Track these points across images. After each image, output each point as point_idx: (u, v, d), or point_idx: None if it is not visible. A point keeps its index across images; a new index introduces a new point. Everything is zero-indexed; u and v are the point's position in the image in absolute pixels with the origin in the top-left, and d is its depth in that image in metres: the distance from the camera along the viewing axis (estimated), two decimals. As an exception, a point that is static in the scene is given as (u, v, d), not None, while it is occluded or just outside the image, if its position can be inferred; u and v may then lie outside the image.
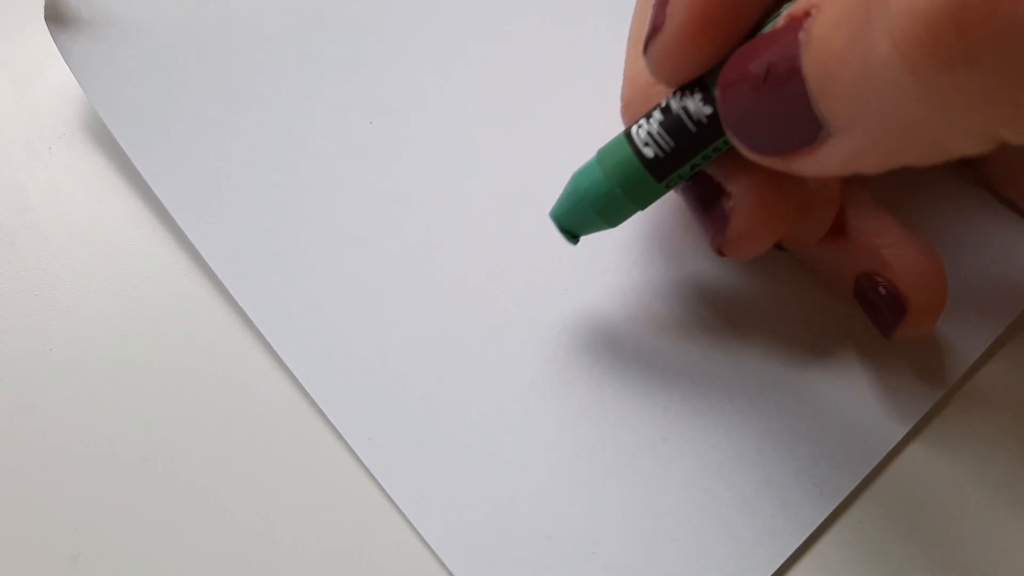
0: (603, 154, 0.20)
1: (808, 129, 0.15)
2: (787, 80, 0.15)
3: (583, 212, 0.21)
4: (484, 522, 0.20)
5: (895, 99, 0.13)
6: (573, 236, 0.21)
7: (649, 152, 0.19)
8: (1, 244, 0.23)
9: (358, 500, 0.21)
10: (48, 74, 0.26)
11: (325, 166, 0.24)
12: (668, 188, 0.20)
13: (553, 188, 0.21)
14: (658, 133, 0.19)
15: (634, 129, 0.19)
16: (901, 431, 0.22)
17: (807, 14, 0.15)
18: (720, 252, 0.21)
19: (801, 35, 0.15)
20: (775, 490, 0.21)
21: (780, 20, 0.16)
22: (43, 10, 0.24)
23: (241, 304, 0.22)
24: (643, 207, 0.20)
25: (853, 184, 0.22)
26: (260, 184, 0.24)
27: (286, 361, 0.22)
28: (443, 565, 0.20)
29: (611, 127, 0.21)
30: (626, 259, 0.24)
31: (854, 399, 0.22)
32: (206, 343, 0.22)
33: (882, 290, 0.21)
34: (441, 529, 0.20)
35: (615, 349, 0.23)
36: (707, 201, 0.20)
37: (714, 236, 0.20)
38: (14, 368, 0.22)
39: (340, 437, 0.21)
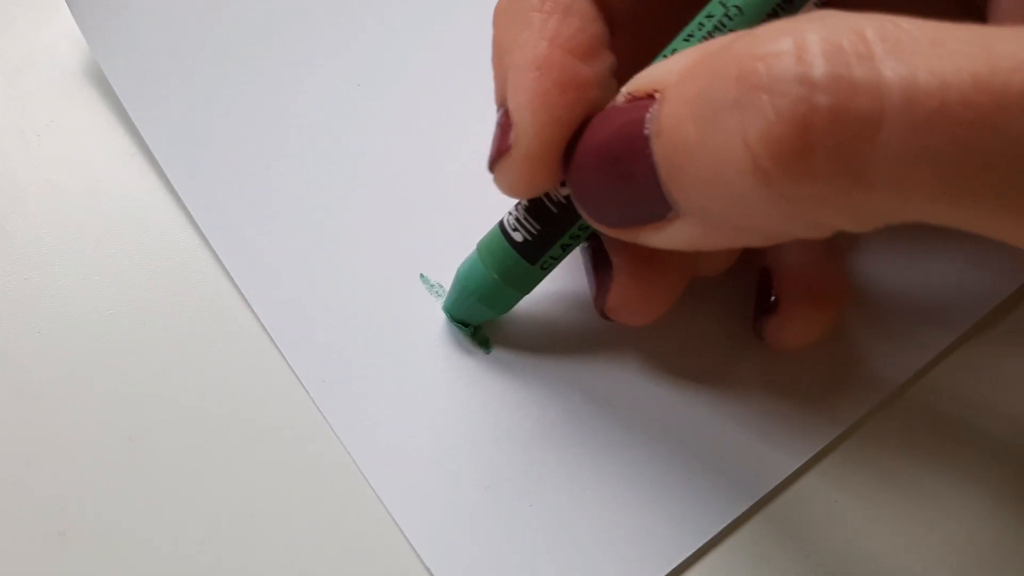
0: (481, 244, 0.21)
1: (657, 208, 0.16)
2: (637, 167, 0.15)
3: (468, 303, 0.22)
4: (427, 471, 0.21)
5: (745, 199, 0.14)
6: (467, 327, 0.22)
7: (518, 236, 0.20)
8: (-10, 230, 0.23)
9: (341, 474, 0.21)
10: (37, 64, 0.26)
11: (322, 137, 0.25)
12: (544, 271, 0.20)
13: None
14: (524, 217, 0.20)
15: (506, 217, 0.20)
16: (795, 463, 0.22)
17: (651, 98, 0.15)
18: (602, 314, 0.21)
19: (648, 121, 0.15)
20: (708, 469, 0.21)
21: (620, 99, 0.16)
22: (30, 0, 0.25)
23: (241, 288, 0.23)
24: (524, 292, 0.21)
25: None
26: (267, 158, 0.25)
27: (280, 345, 0.22)
28: (389, 513, 0.21)
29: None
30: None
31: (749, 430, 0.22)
32: (195, 327, 0.23)
33: (768, 287, 0.21)
34: (388, 477, 0.21)
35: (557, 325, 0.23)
36: (596, 266, 0.21)
37: (596, 300, 0.21)
38: (3, 351, 0.22)
39: (322, 414, 0.22)
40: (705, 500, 0.21)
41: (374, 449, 0.21)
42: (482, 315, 0.22)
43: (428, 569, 0.20)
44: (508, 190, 0.19)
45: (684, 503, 0.21)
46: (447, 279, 0.23)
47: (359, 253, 0.24)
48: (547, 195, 0.19)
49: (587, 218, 0.18)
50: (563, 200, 0.19)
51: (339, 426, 0.21)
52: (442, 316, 0.23)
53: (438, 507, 0.21)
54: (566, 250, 0.20)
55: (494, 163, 0.18)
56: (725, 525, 0.21)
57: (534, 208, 0.19)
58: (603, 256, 0.20)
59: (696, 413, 0.22)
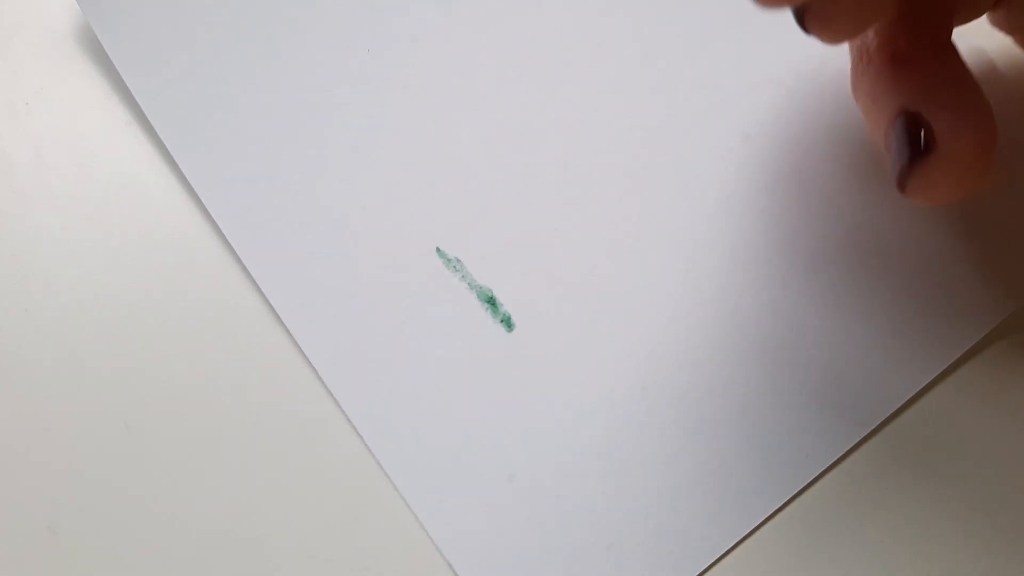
0: None
1: None
2: None
3: None
4: (446, 460, 0.20)
5: None
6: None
7: None
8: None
9: (355, 463, 0.19)
10: (26, 28, 0.24)
11: (327, 103, 0.23)
12: None
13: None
14: None
15: None
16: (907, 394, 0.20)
17: None
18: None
19: None
20: (756, 452, 0.20)
21: None
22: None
23: (245, 263, 0.21)
24: None
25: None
26: (270, 126, 0.23)
27: (287, 324, 0.21)
28: (406, 504, 0.19)
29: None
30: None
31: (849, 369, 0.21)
32: (196, 306, 0.21)
33: (913, 130, 0.18)
34: (406, 467, 0.20)
35: (598, 295, 0.21)
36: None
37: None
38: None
39: (330, 397, 0.20)
40: (740, 496, 0.20)
41: (390, 437, 0.20)
42: None
43: (449, 563, 0.18)
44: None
45: (719, 495, 0.19)
46: (464, 252, 0.21)
47: (369, 224, 0.22)
48: None
49: None
50: None
51: (353, 412, 0.20)
52: (462, 291, 0.21)
53: (458, 498, 0.19)
54: None
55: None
56: (767, 516, 0.19)
57: None
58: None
59: (738, 404, 0.20)
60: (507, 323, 0.21)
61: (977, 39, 0.20)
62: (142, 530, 0.18)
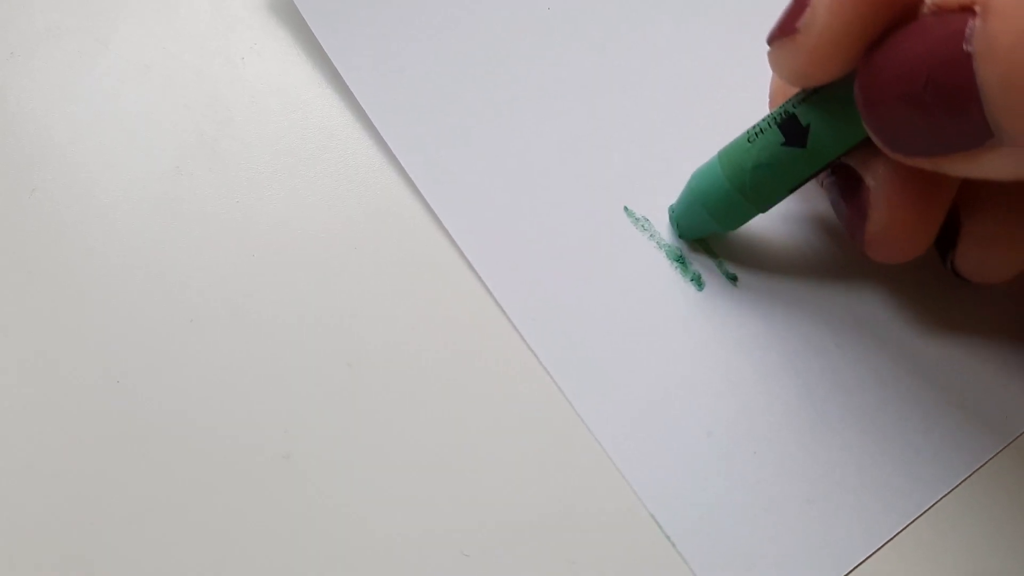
0: (724, 155, 0.19)
1: (973, 136, 0.14)
2: (955, 89, 0.14)
3: (695, 211, 0.20)
4: (646, 415, 0.20)
5: None
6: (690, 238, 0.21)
7: None
8: (206, 153, 0.23)
9: (556, 412, 0.20)
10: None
11: (518, 65, 0.24)
12: (790, 190, 0.19)
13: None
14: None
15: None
16: None
17: (969, 11, 0.13)
18: (861, 251, 0.19)
19: (969, 36, 0.13)
20: (955, 409, 0.20)
21: (925, 9, 0.14)
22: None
23: (444, 223, 0.22)
24: (764, 210, 0.20)
25: None
26: (463, 86, 0.24)
27: (486, 280, 0.22)
28: (608, 456, 0.20)
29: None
30: None
31: None
32: (404, 256, 0.22)
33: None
34: (605, 420, 0.20)
35: (790, 252, 0.22)
36: (848, 194, 0.18)
37: (852, 235, 0.19)
38: (219, 275, 0.22)
39: (529, 350, 0.21)
40: (943, 450, 0.20)
41: (589, 392, 0.20)
42: (708, 227, 0.21)
43: (651, 515, 0.19)
44: (779, 71, 0.17)
45: (922, 453, 0.19)
46: (652, 212, 0.21)
47: (560, 183, 0.23)
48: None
49: (880, 144, 0.16)
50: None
51: (552, 365, 0.21)
52: (651, 250, 0.22)
53: (659, 452, 0.20)
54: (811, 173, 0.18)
55: (774, 40, 0.17)
56: (969, 474, 0.19)
57: (788, 124, 0.18)
58: (855, 181, 0.18)
59: (934, 361, 0.20)
60: (697, 282, 0.21)
61: None
62: (362, 457, 0.20)
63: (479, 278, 0.22)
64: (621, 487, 0.20)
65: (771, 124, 0.18)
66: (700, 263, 0.22)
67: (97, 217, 0.22)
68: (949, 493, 0.19)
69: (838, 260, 0.22)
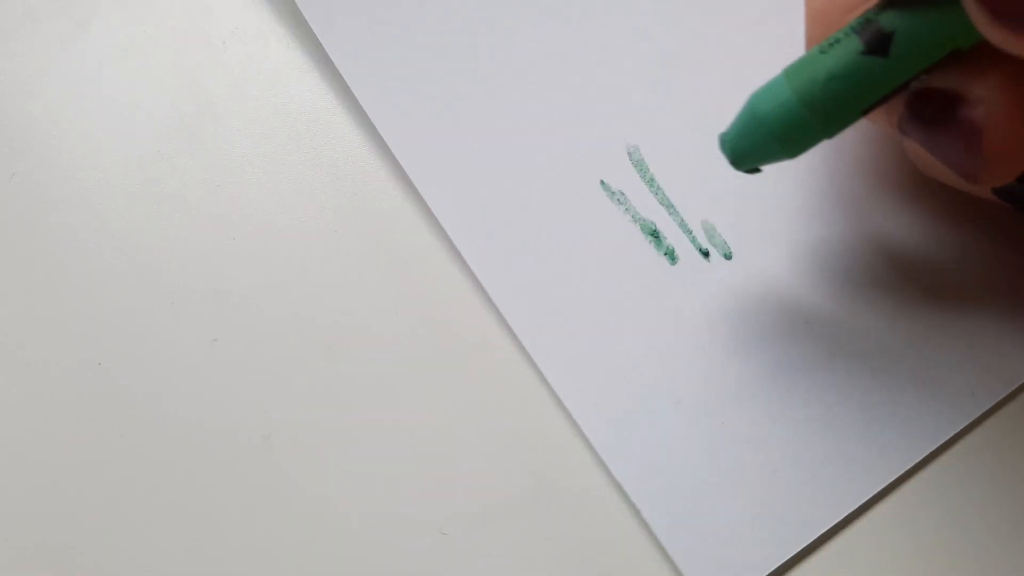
0: (792, 68, 0.18)
1: None
2: None
3: (757, 134, 0.18)
4: (616, 383, 0.20)
5: None
6: (746, 167, 0.19)
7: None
8: (186, 137, 0.24)
9: (527, 384, 0.20)
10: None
11: (499, 43, 0.24)
12: (864, 111, 0.17)
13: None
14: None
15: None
16: None
17: None
18: (974, 178, 0.17)
19: None
20: (922, 386, 0.20)
21: None
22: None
23: (425, 198, 0.22)
24: (831, 133, 0.18)
25: None
26: (447, 66, 0.24)
27: (463, 253, 0.22)
28: (582, 433, 0.20)
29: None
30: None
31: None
32: (383, 239, 0.22)
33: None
34: (575, 388, 0.20)
35: (763, 229, 0.22)
36: (942, 119, 0.16)
37: (964, 159, 0.16)
38: (200, 256, 0.22)
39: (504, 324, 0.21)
40: (909, 425, 0.20)
41: (560, 360, 0.21)
42: (767, 151, 0.18)
43: (618, 483, 0.19)
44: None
45: (888, 427, 0.20)
46: (627, 186, 0.22)
47: (538, 157, 0.23)
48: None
49: (994, 29, 0.14)
50: None
51: (525, 336, 0.21)
52: (626, 223, 0.22)
53: (626, 420, 0.20)
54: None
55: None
56: (933, 448, 0.20)
57: (868, 31, 0.16)
58: (949, 102, 0.16)
59: (901, 338, 0.21)
60: (670, 256, 0.22)
61: None
62: (342, 438, 0.20)
63: (457, 260, 0.22)
64: (596, 464, 0.20)
65: (849, 33, 0.17)
66: (674, 237, 0.22)
67: (77, 201, 0.22)
68: (922, 469, 0.20)
69: (809, 238, 0.22)
